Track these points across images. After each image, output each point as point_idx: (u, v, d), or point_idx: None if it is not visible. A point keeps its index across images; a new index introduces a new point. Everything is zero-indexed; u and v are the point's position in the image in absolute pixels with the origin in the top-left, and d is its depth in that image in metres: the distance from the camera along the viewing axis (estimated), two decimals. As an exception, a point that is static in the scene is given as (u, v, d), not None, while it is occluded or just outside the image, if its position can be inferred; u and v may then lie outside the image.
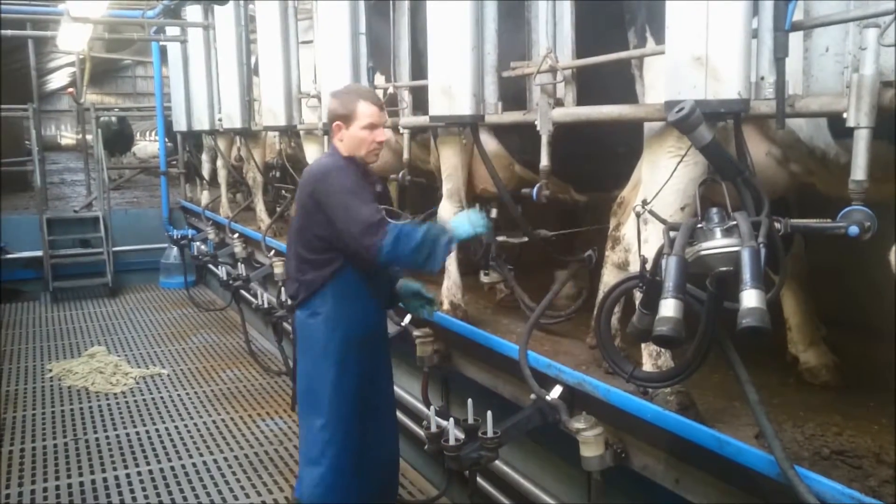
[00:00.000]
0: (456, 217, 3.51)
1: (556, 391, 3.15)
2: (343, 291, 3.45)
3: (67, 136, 36.53)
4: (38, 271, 10.69)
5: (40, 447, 5.64)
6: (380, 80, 5.06)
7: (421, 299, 3.71)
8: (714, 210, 2.28)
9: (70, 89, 19.96)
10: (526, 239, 4.05)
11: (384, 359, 3.72)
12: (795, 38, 2.23)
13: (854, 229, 2.06)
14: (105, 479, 5.09)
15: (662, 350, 2.81)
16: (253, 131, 7.71)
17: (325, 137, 5.39)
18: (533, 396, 3.19)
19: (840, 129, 2.13)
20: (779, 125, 2.26)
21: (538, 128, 3.29)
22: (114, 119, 18.14)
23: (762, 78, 2.34)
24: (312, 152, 6.08)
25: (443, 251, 3.26)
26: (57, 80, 28.77)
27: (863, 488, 2.09)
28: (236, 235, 8.27)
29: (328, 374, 3.45)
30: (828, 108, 2.16)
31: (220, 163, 9.34)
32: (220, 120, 8.36)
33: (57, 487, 5.00)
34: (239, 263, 7.84)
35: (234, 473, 5.16)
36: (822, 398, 2.89)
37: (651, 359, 2.86)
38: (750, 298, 1.99)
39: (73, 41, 10.07)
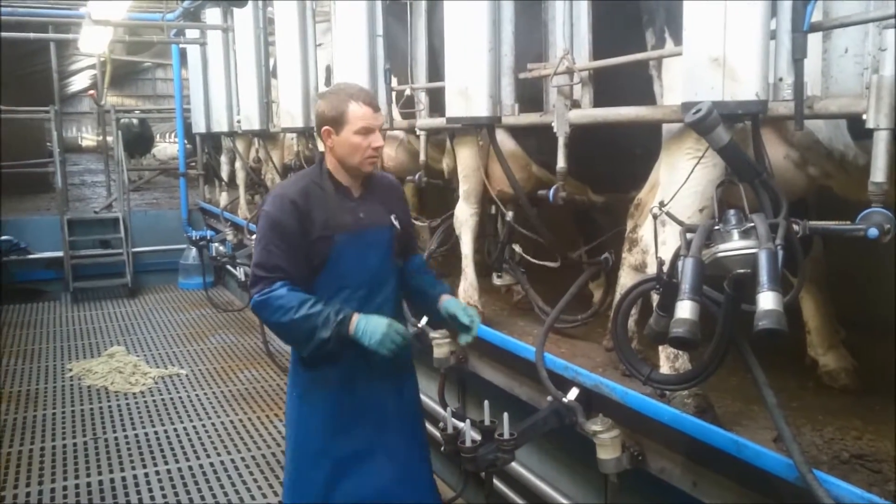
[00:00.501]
0: (375, 323, 2.85)
1: (573, 393, 3.14)
2: None
3: (88, 138, 36.97)
4: (58, 272, 10.84)
5: (60, 446, 5.71)
6: (395, 81, 5.07)
7: (457, 323, 3.07)
8: (731, 212, 2.26)
9: (91, 91, 20.13)
10: (557, 264, 3.94)
11: (379, 397, 3.10)
12: (814, 39, 2.21)
13: (874, 231, 2.03)
14: (124, 479, 5.15)
15: (680, 352, 2.79)
16: (271, 133, 7.74)
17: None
18: (549, 398, 3.19)
19: (859, 130, 2.11)
20: (797, 127, 2.24)
21: (555, 129, 3.28)
22: (134, 121, 18.31)
23: (780, 79, 2.33)
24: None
25: (314, 347, 2.85)
26: (78, 83, 29.03)
27: (882, 493, 2.07)
28: (254, 237, 8.29)
29: (293, 405, 3.14)
30: (847, 109, 2.14)
31: (238, 164, 9.39)
32: (238, 122, 8.40)
33: (76, 486, 5.06)
34: (257, 264, 7.86)
35: (251, 473, 5.20)
36: (842, 402, 2.86)
37: (668, 361, 2.84)
38: (767, 301, 1.97)
39: (94, 44, 10.16)
